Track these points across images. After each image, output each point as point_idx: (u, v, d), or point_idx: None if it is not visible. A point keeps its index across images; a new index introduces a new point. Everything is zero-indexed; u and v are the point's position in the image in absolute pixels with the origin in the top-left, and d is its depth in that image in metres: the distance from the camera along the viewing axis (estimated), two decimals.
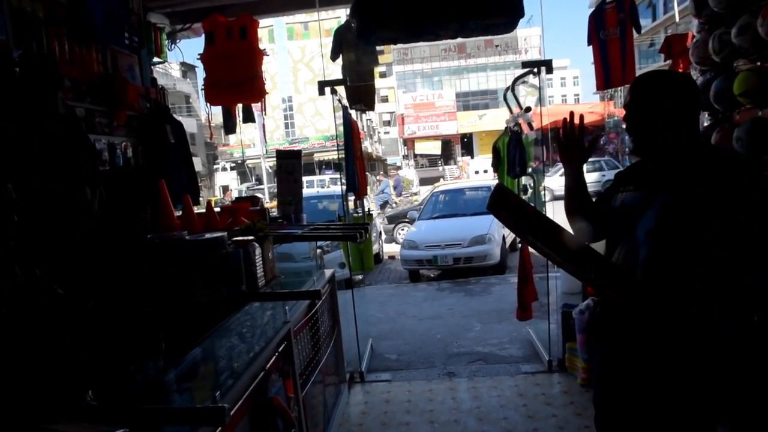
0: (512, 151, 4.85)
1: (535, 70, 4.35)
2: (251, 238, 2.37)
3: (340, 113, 4.66)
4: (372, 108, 5.06)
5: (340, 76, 4.81)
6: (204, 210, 3.30)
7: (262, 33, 4.15)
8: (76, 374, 1.29)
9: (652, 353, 1.75)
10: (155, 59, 4.40)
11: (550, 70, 4.30)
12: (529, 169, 4.87)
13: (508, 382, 4.35)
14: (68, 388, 1.22)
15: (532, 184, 5.36)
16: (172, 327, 1.82)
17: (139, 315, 1.86)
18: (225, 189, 31.21)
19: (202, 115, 32.38)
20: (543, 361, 4.63)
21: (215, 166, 35.30)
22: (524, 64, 4.39)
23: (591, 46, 4.63)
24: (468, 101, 45.13)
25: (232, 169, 35.00)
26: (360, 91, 4.78)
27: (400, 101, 42.11)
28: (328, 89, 4.35)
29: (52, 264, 2.15)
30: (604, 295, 1.94)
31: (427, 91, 43.35)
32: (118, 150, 3.57)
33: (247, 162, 33.26)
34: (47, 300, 1.72)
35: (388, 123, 43.74)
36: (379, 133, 40.28)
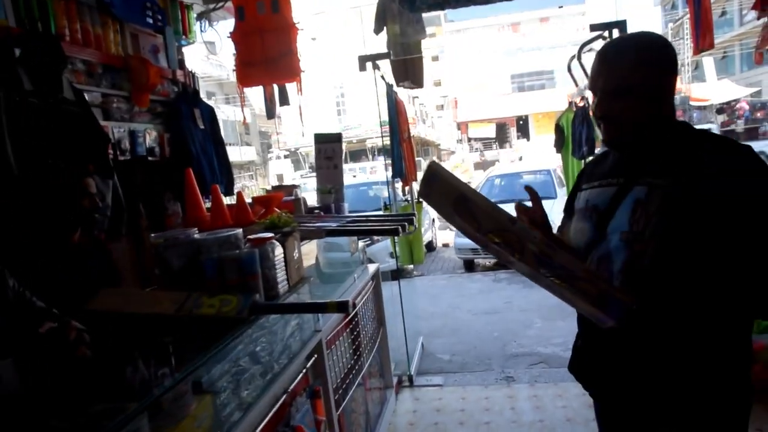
0: (578, 129, 4.32)
1: (606, 33, 3.79)
2: (269, 236, 2.01)
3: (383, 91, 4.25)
4: (420, 85, 4.61)
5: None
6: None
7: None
8: None
9: (652, 394, 1.37)
10: (183, 40, 4.08)
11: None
12: (598, 149, 4.32)
13: (575, 390, 3.84)
14: None
15: None
16: (163, 351, 1.48)
17: (116, 337, 1.53)
18: (280, 178, 31.37)
19: (255, 105, 32.60)
20: None
21: (269, 155, 35.58)
22: (593, 27, 3.83)
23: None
24: (523, 82, 43.72)
25: (285, 157, 35.16)
26: (407, 66, 4.34)
27: (452, 84, 41.19)
28: (369, 65, 3.94)
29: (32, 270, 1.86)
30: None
31: (480, 73, 42.20)
32: (139, 137, 3.28)
33: (300, 150, 33.34)
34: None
35: (441, 107, 42.92)
36: (431, 117, 39.57)
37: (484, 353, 4.84)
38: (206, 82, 28.37)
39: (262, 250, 1.93)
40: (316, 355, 2.26)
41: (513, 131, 41.38)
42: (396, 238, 4.47)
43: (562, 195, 8.98)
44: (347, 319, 2.84)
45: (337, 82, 37.14)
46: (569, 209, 1.68)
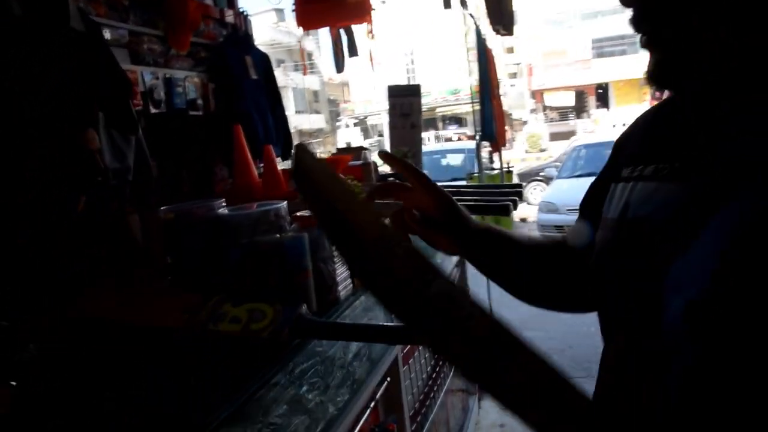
0: None
1: None
2: None
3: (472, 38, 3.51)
4: (511, 32, 3.83)
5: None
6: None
7: None
8: None
9: None
10: None
11: None
12: None
13: None
14: None
15: None
16: (152, 396, 0.88)
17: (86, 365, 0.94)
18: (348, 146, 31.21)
19: (324, 73, 32.19)
20: None
21: (337, 123, 35.27)
22: None
23: None
24: (603, 47, 41.05)
25: (354, 125, 34.76)
26: (501, 6, 3.56)
27: (526, 51, 39.21)
28: (455, 2, 3.20)
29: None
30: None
31: (557, 38, 39.90)
32: (178, 87, 2.72)
33: (368, 117, 32.88)
34: None
35: (514, 75, 41.06)
36: (504, 86, 37.96)
37: (581, 354, 4.09)
38: (275, 50, 28.10)
39: (314, 234, 1.30)
40: (389, 379, 1.63)
41: (592, 100, 39.12)
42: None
43: None
44: None
45: (407, 49, 36.15)
46: (589, 208, 0.78)
